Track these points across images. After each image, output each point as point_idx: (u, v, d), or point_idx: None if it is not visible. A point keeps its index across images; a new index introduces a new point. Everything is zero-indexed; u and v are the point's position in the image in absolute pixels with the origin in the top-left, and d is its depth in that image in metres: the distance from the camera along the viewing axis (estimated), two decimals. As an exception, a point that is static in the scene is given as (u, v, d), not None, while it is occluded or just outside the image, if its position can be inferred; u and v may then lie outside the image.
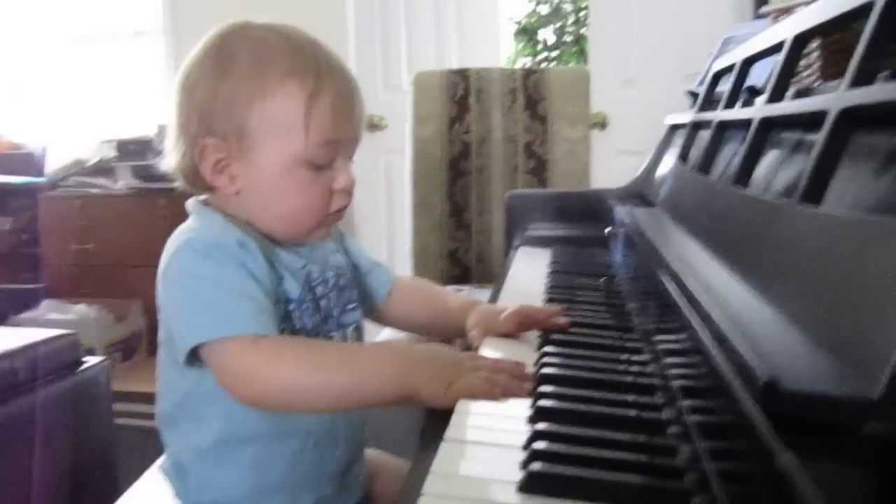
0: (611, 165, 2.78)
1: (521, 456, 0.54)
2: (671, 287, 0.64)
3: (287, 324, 0.77)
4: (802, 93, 0.74)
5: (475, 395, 0.64)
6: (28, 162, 3.55)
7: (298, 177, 0.76)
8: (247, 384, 0.69)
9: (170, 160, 0.80)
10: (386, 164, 3.21)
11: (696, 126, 1.11)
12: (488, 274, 2.15)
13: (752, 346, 0.42)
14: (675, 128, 1.54)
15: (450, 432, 0.59)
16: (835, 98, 0.55)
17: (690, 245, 0.78)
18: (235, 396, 0.70)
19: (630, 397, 0.64)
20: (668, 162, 1.52)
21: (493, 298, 1.10)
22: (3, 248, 3.61)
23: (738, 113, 0.82)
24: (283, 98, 0.74)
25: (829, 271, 0.46)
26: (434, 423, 0.62)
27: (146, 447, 2.39)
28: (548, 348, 0.76)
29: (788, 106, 0.68)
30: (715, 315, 0.50)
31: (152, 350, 3.45)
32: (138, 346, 3.42)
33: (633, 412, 0.61)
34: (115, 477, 2.03)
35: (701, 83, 1.42)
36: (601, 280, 1.16)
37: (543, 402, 0.61)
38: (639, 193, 1.54)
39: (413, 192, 2.16)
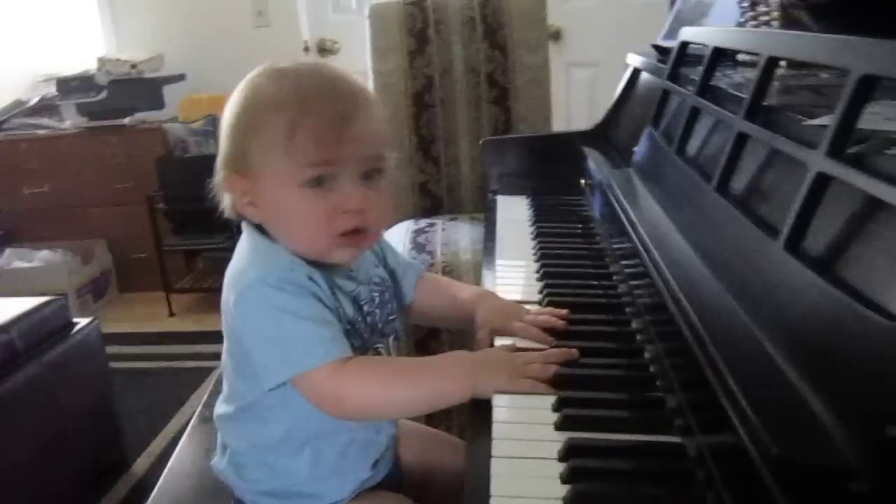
0: (564, 78, 2.84)
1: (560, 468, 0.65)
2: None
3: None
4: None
5: (537, 389, 0.76)
6: (-37, 105, 3.42)
7: (300, 199, 0.80)
8: (340, 405, 0.80)
9: (224, 202, 0.87)
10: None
11: (667, 92, 1.17)
12: (459, 204, 2.23)
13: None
14: (637, 71, 1.60)
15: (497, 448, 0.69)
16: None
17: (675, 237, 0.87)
18: (328, 413, 0.80)
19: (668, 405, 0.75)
20: (632, 106, 1.60)
21: (488, 255, 1.21)
22: (-51, 197, 3.52)
23: (720, 115, 0.88)
24: (269, 127, 0.80)
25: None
26: (476, 434, 0.72)
27: (134, 385, 2.49)
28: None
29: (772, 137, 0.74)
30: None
31: (122, 287, 3.49)
32: (107, 284, 3.44)
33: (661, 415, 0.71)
34: (118, 424, 2.13)
35: (666, 37, 1.46)
36: (579, 226, 1.26)
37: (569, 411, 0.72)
38: (605, 137, 1.62)
39: (379, 128, 2.19)
